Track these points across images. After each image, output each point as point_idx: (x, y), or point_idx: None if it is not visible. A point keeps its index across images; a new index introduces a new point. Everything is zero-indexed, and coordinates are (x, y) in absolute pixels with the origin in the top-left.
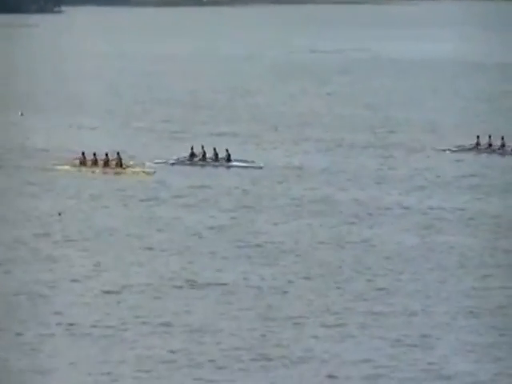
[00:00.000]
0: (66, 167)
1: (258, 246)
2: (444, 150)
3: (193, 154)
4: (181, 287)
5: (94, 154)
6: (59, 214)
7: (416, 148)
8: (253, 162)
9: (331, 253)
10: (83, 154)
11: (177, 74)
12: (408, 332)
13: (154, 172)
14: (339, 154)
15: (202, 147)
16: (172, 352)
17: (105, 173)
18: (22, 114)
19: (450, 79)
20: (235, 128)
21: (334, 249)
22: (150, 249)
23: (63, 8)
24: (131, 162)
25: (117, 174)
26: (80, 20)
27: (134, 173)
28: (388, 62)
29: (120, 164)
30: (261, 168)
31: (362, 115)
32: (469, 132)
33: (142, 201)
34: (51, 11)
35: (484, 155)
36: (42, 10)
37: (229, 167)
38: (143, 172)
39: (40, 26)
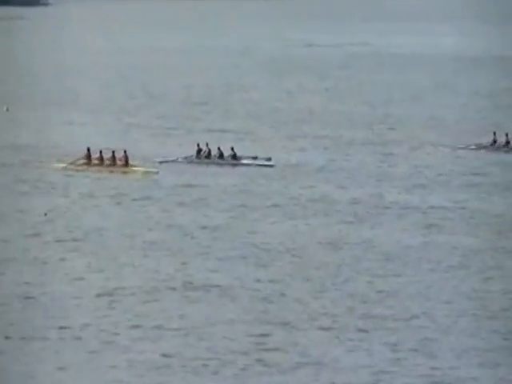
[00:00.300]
0: (68, 166)
1: (255, 246)
2: (460, 148)
3: (199, 152)
4: (175, 289)
5: (100, 152)
6: (45, 214)
7: (417, 145)
8: (263, 159)
9: (329, 253)
10: (88, 150)
11: (171, 69)
12: (409, 336)
13: (157, 172)
14: (337, 152)
15: (207, 145)
16: (164, 356)
17: (111, 172)
18: (7, 110)
19: (450, 74)
20: (230, 125)
21: (332, 249)
22: (147, 250)
23: (50, 0)
24: (136, 161)
25: (123, 173)
26: (69, 13)
27: (136, 172)
28: (388, 56)
29: (126, 163)
30: (272, 166)
31: (360, 111)
32: (471, 128)
33: (140, 200)
34: (38, 3)
35: (501, 153)
36: (28, 2)
37: (235, 165)
38: (146, 171)
39: (27, 18)
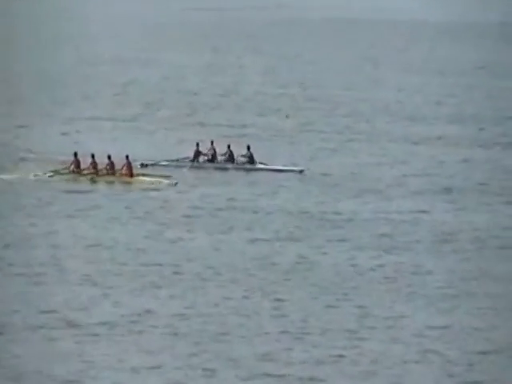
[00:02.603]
0: (51, 175)
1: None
2: (419, 143)
3: (198, 154)
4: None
5: (93, 157)
6: None
7: (363, 138)
8: (291, 164)
9: (261, 277)
10: (75, 155)
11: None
12: None
13: (176, 183)
14: (261, 146)
15: (212, 143)
16: None
17: (108, 182)
18: None
19: (408, 46)
20: (118, 112)
21: (265, 271)
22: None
23: None
24: (142, 169)
25: (126, 183)
26: None
27: (145, 183)
28: (323, 21)
29: (130, 172)
30: (301, 172)
31: (288, 93)
32: (429, 117)
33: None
34: None
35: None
36: None
37: (252, 170)
38: (160, 182)
39: None
